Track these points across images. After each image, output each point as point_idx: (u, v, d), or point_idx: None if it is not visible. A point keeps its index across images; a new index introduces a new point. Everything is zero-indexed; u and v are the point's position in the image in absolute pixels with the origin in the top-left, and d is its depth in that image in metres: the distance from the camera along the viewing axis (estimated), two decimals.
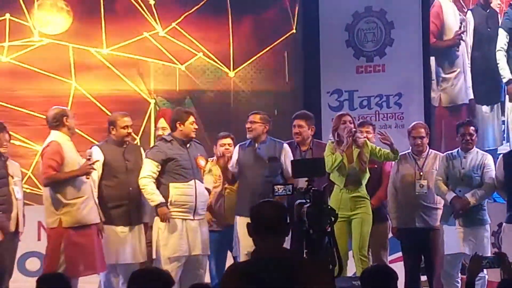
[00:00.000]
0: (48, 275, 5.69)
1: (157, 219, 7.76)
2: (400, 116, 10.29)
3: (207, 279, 8.35)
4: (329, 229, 5.66)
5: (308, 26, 10.69)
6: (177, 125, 7.89)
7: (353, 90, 10.47)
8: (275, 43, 10.77)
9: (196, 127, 7.96)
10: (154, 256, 7.85)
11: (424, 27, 10.31)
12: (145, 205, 7.92)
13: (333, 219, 5.72)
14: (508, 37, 9.92)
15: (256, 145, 8.15)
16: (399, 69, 10.28)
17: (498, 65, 9.91)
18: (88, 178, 7.49)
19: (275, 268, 3.82)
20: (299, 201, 6.20)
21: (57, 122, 7.53)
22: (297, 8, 10.78)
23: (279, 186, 6.20)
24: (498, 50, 9.97)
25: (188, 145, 7.91)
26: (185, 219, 7.75)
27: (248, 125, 8.17)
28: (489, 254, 8.04)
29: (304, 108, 10.09)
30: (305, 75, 10.70)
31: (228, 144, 8.53)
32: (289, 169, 7.92)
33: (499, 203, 8.39)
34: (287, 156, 8.15)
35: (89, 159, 7.46)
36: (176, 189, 7.76)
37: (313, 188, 6.03)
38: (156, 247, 7.80)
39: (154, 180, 7.76)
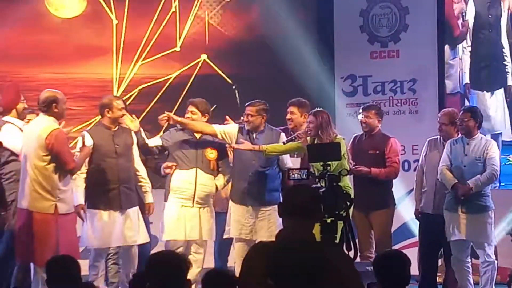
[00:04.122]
0: (59, 257, 5.65)
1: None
2: (414, 102, 10.27)
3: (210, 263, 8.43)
4: (344, 214, 5.68)
5: (322, 11, 10.66)
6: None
7: (367, 75, 10.45)
8: None
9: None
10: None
11: (438, 13, 10.28)
12: (141, 188, 7.92)
13: (348, 203, 5.74)
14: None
15: (254, 135, 7.88)
16: (413, 54, 10.25)
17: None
18: None
19: (299, 250, 3.85)
20: (314, 185, 6.22)
21: (45, 107, 7.31)
22: None
23: (294, 170, 6.20)
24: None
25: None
26: (184, 206, 7.83)
27: (244, 118, 7.94)
28: (492, 240, 8.03)
29: (318, 93, 10.11)
30: (319, 60, 10.67)
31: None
32: (285, 160, 7.87)
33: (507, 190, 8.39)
34: None
35: (84, 143, 7.51)
36: (178, 175, 7.84)
37: (328, 173, 6.04)
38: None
39: None
